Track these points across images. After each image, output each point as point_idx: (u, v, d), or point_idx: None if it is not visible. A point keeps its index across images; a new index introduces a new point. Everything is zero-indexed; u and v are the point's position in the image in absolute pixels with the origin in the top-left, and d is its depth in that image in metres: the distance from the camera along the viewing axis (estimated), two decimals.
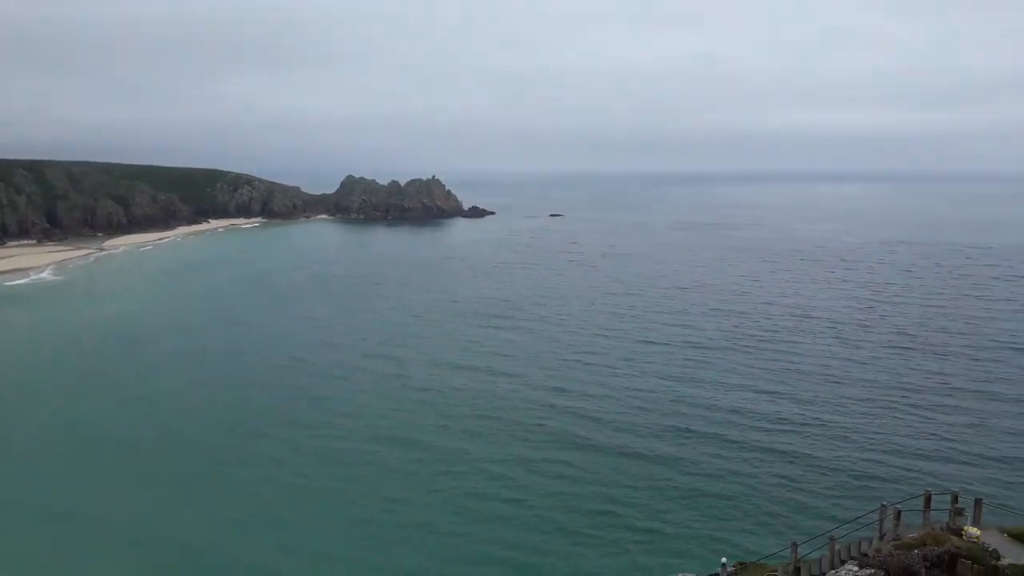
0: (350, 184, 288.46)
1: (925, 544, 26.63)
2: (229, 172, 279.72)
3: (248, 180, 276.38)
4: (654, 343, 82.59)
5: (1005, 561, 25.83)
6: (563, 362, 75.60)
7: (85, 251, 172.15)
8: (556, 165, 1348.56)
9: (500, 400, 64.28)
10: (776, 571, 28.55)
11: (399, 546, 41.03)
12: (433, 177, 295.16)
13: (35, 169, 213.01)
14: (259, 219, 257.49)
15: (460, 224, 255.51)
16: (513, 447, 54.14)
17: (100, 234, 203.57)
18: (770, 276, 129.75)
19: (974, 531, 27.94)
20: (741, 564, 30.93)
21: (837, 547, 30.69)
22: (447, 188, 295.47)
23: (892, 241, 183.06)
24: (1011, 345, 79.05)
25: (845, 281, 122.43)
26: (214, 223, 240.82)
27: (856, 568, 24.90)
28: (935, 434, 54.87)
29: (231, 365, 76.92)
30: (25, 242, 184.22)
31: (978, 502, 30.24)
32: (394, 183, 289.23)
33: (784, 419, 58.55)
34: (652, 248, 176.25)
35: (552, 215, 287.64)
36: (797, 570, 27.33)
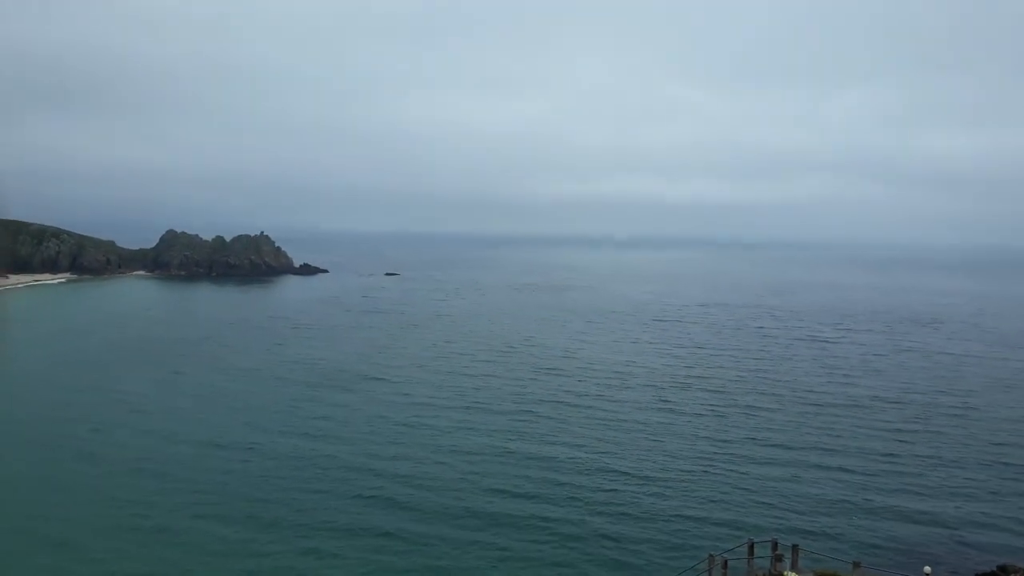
0: (171, 239, 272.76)
1: None
2: (32, 223, 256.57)
3: (55, 233, 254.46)
4: (482, 405, 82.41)
5: None
6: (392, 426, 73.68)
7: None
8: (393, 225, 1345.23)
9: (323, 470, 61.39)
10: None
11: None
12: (262, 233, 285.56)
13: None
14: (67, 275, 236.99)
15: (291, 282, 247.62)
16: (336, 516, 51.77)
17: None
18: (595, 336, 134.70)
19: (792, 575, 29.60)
20: None
21: None
22: (276, 245, 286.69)
23: (709, 303, 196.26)
24: (812, 401, 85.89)
25: (664, 342, 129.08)
26: (14, 279, 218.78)
27: None
28: (752, 486, 58.05)
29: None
30: None
31: (795, 548, 32.17)
32: (219, 239, 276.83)
33: (607, 476, 59.87)
34: (484, 308, 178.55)
35: (388, 274, 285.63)
36: None
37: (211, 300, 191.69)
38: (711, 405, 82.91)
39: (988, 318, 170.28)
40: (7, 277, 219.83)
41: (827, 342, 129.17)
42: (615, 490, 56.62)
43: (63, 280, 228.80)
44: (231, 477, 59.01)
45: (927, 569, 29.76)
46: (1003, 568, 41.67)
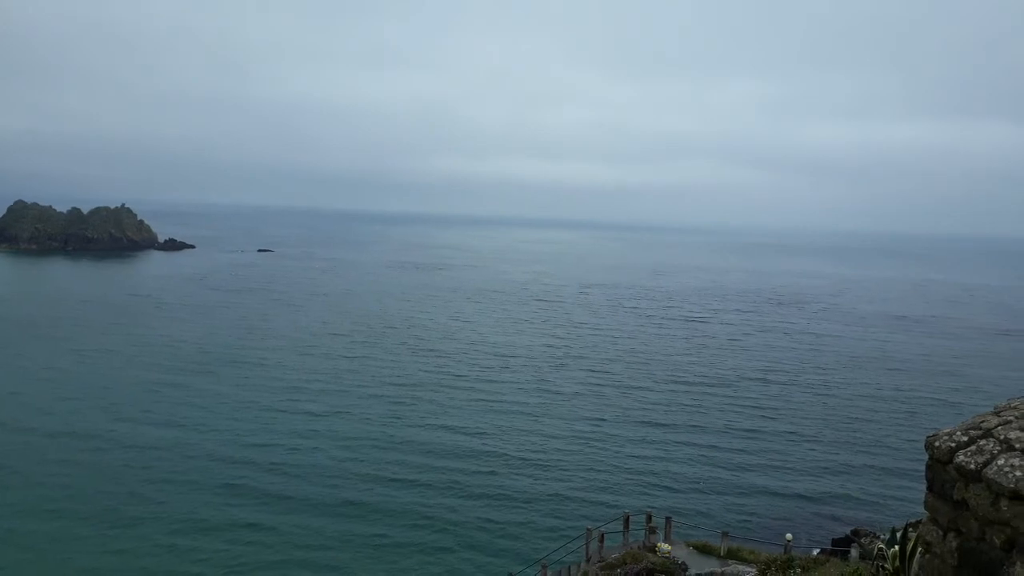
0: (20, 210, 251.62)
1: (625, 563, 27.92)
2: None
3: None
4: (359, 388, 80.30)
5: (692, 572, 27.93)
6: (262, 412, 70.29)
7: None
8: (279, 200, 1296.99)
9: (186, 459, 57.95)
10: None
11: None
12: (123, 205, 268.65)
13: None
14: None
15: (154, 257, 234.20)
16: (199, 509, 49.01)
17: None
18: (477, 316, 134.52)
19: (666, 547, 29.97)
20: None
21: (548, 573, 31.29)
22: (139, 218, 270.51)
23: (589, 283, 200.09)
24: (683, 379, 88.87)
25: (544, 321, 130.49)
26: None
27: None
28: (626, 461, 59.41)
29: None
30: None
31: (668, 520, 32.69)
32: (75, 211, 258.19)
33: (486, 459, 59.62)
34: (365, 287, 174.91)
35: (260, 250, 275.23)
36: None
37: (65, 276, 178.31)
38: (588, 384, 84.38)
39: (848, 299, 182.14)
40: None
41: (698, 322, 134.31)
42: (494, 472, 56.34)
43: None
44: (83, 469, 54.72)
45: (788, 536, 30.89)
46: (855, 532, 44.37)
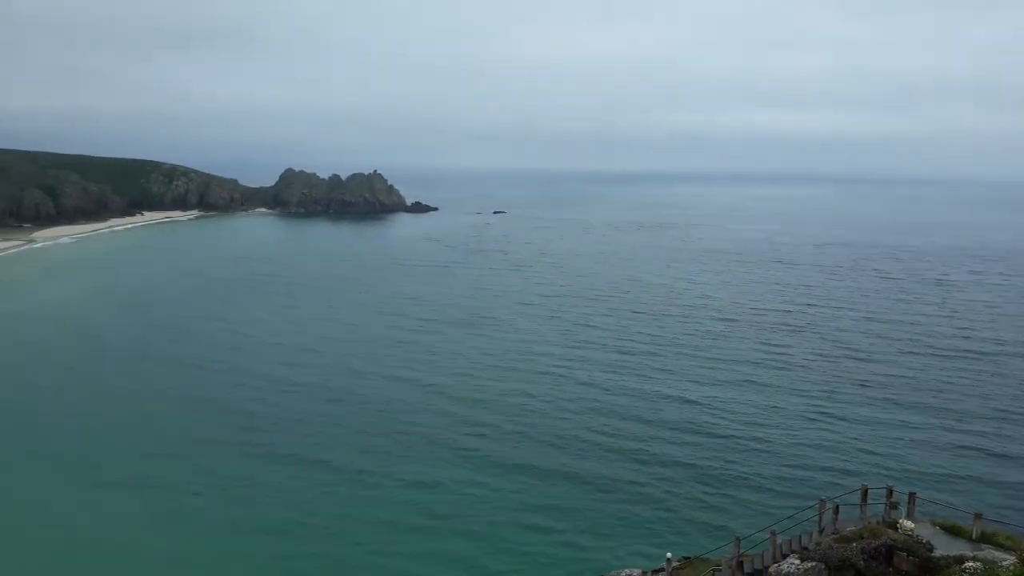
0: (290, 177, 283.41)
1: (863, 537, 27.48)
2: (164, 163, 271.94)
3: (184, 172, 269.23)
4: (581, 350, 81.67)
5: (938, 552, 26.85)
6: (493, 369, 74.85)
7: (14, 243, 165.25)
8: (506, 162, 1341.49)
9: (428, 415, 63.56)
10: (720, 565, 29.14)
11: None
12: (375, 172, 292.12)
13: None
14: (196, 212, 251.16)
15: (403, 220, 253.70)
16: (433, 464, 53.82)
17: (27, 225, 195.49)
18: (703, 277, 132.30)
19: (908, 524, 28.95)
20: (685, 559, 31.46)
21: (779, 541, 31.44)
22: (389, 183, 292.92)
23: (827, 242, 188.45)
24: (933, 349, 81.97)
25: (777, 283, 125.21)
26: (148, 215, 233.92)
27: (798, 562, 25.56)
28: (869, 432, 56.69)
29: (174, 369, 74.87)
30: None
31: (912, 496, 31.36)
32: (335, 177, 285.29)
33: (710, 419, 59.71)
34: (588, 247, 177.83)
35: (496, 212, 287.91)
36: (740, 564, 27.88)
37: (331, 237, 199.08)
38: (823, 354, 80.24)
39: None
40: (143, 214, 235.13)
41: (952, 287, 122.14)
42: (716, 435, 56.47)
43: (192, 216, 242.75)
44: (330, 419, 61.85)
45: None
46: None
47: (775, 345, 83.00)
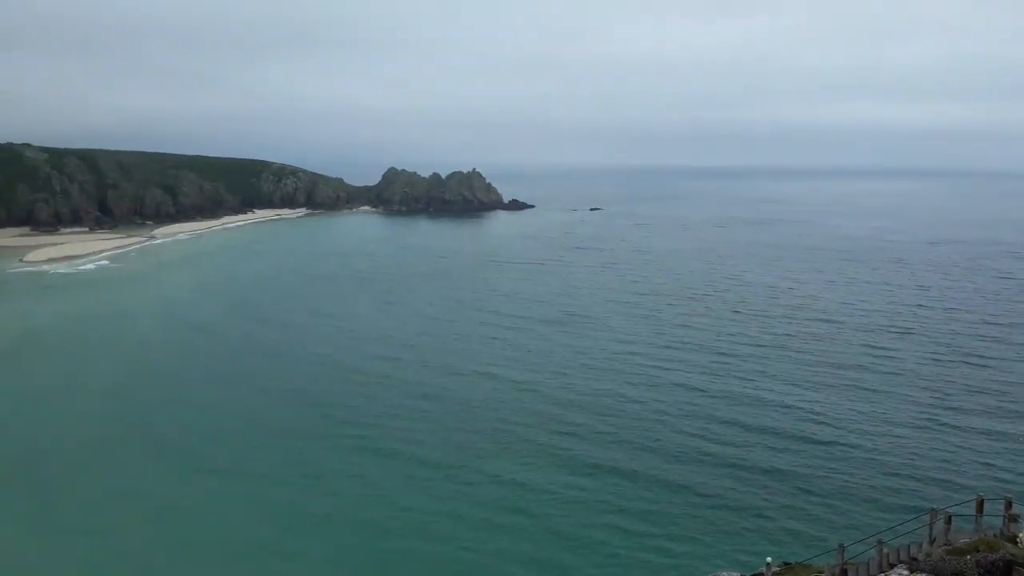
0: (392, 176, 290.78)
1: (978, 550, 26.24)
2: (273, 163, 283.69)
3: (292, 171, 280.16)
4: (679, 349, 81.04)
5: None
6: (588, 370, 75.06)
7: (137, 239, 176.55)
8: (601, 159, 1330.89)
9: (521, 412, 64.05)
10: (822, 572, 28.41)
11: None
12: (473, 170, 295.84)
13: (87, 158, 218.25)
14: (303, 210, 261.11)
15: (500, 217, 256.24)
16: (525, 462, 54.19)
17: (149, 223, 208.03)
18: (806, 275, 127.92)
19: None
20: (786, 564, 30.80)
21: (885, 550, 30.37)
22: (487, 181, 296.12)
23: (939, 240, 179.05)
24: None
25: (884, 283, 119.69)
26: (259, 213, 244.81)
27: (906, 572, 24.65)
28: (984, 443, 53.78)
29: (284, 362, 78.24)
30: (77, 230, 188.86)
31: None
32: (435, 175, 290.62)
33: (812, 423, 58.03)
34: (686, 244, 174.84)
35: (592, 209, 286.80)
36: (844, 572, 27.12)
37: (433, 234, 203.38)
38: (937, 358, 76.04)
39: None
40: (254, 211, 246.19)
41: None
42: (818, 441, 54.79)
43: (300, 214, 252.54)
44: (426, 413, 63.51)
45: None
46: None
47: (884, 348, 79.56)
